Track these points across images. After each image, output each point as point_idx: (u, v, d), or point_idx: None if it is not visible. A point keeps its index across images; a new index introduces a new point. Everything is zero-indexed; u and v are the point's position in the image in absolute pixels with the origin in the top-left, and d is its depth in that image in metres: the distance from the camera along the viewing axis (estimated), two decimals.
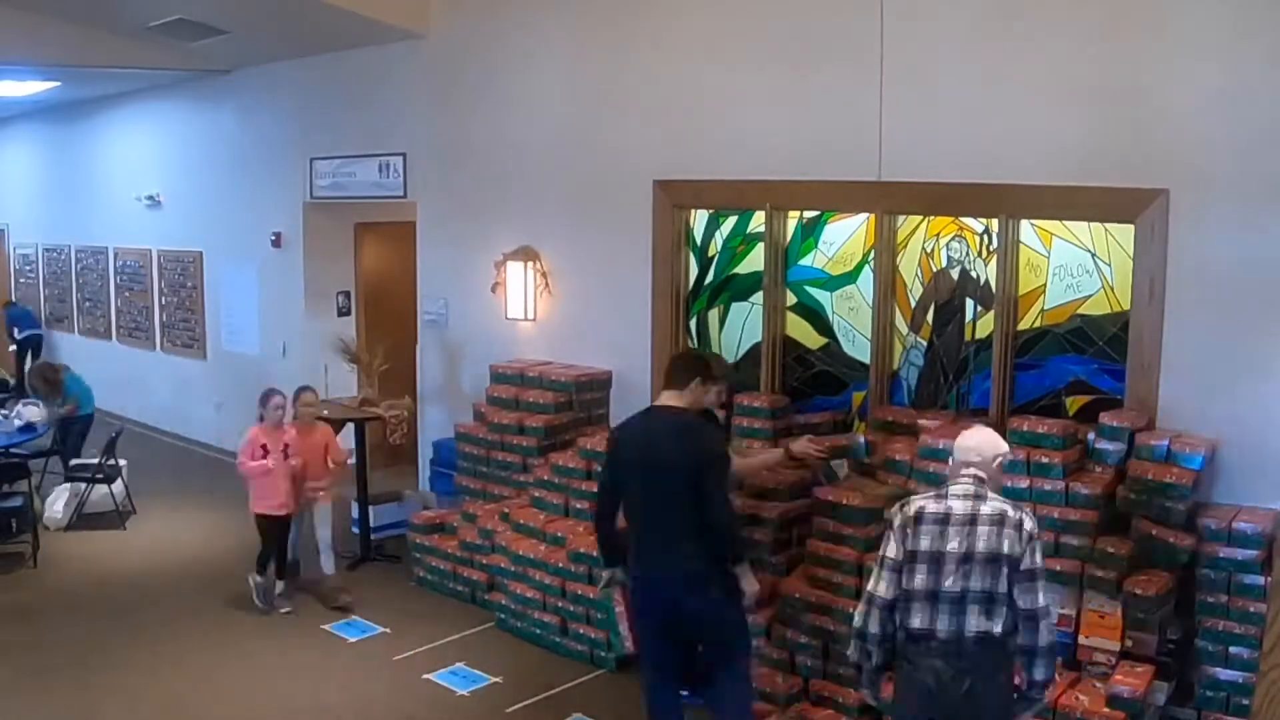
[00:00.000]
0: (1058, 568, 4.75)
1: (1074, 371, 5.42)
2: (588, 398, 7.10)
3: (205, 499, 9.16)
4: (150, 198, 11.22)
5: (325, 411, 7.77)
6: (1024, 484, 4.90)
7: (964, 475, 3.84)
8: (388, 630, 6.49)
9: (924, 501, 3.85)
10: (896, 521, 3.83)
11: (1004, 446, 3.97)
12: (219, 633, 6.44)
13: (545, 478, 6.62)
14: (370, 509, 7.75)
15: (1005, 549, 3.65)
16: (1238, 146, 4.75)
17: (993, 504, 3.75)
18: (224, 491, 9.35)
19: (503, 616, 6.51)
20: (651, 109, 6.85)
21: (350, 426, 7.77)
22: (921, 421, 5.60)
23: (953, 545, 3.70)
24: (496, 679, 5.85)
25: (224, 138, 10.28)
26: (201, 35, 8.61)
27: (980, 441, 3.91)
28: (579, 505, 6.38)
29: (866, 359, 6.10)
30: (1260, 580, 4.46)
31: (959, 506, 3.76)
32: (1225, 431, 4.85)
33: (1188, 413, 4.95)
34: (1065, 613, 4.82)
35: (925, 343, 5.94)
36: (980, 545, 3.68)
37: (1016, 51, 5.37)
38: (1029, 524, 3.70)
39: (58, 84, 10.79)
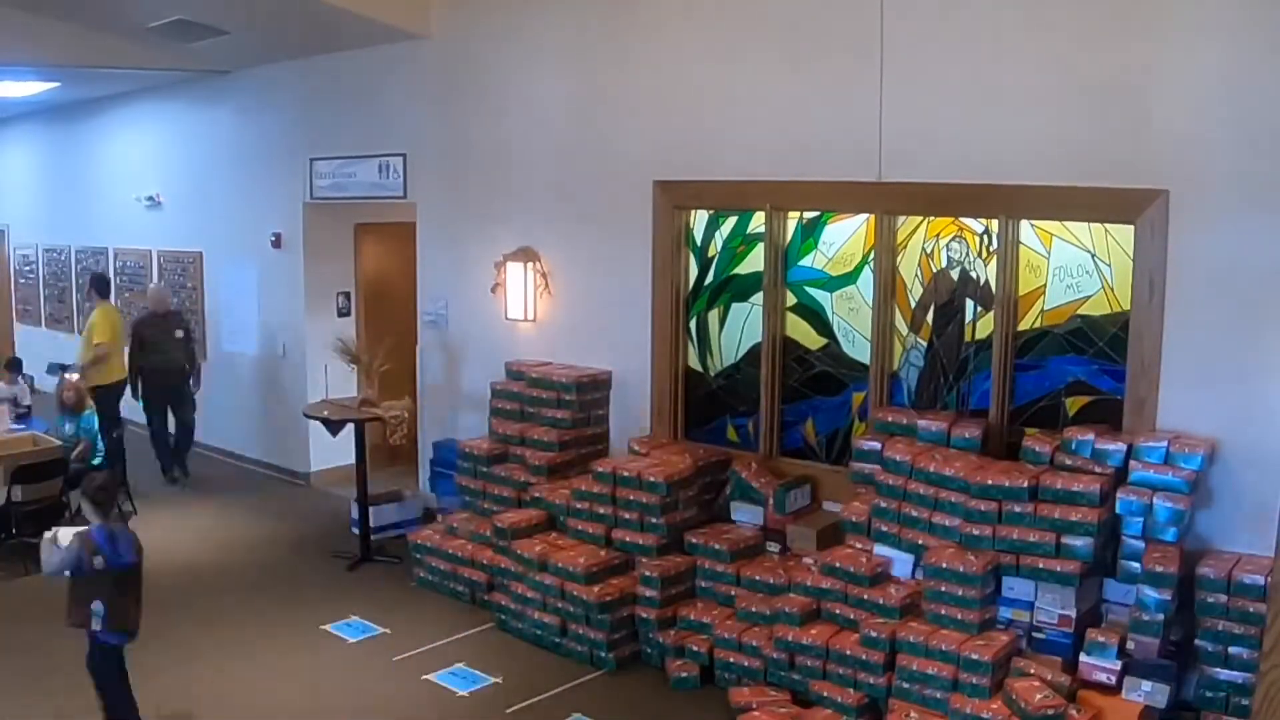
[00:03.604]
0: (1058, 568, 4.77)
1: (1074, 372, 5.42)
2: (588, 398, 7.09)
3: (205, 499, 9.15)
4: (150, 198, 11.21)
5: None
6: (1025, 483, 4.91)
7: None
8: (388, 630, 6.49)
9: None
10: None
11: None
12: (218, 633, 6.44)
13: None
14: (370, 509, 7.75)
15: None
16: (1238, 146, 4.75)
17: None
18: (223, 492, 9.36)
19: (503, 617, 6.50)
20: (651, 109, 6.85)
21: (350, 427, 7.77)
22: (921, 423, 5.60)
23: None
24: (496, 679, 5.86)
25: (224, 138, 10.27)
26: (201, 35, 8.60)
27: None
28: (579, 506, 6.38)
29: (866, 359, 6.09)
30: (1260, 580, 4.46)
31: None
32: (1225, 432, 4.86)
33: (1188, 413, 4.96)
34: (1065, 613, 4.84)
35: (925, 343, 5.94)
36: None
37: (1016, 51, 5.37)
38: None
39: (58, 84, 10.79)
